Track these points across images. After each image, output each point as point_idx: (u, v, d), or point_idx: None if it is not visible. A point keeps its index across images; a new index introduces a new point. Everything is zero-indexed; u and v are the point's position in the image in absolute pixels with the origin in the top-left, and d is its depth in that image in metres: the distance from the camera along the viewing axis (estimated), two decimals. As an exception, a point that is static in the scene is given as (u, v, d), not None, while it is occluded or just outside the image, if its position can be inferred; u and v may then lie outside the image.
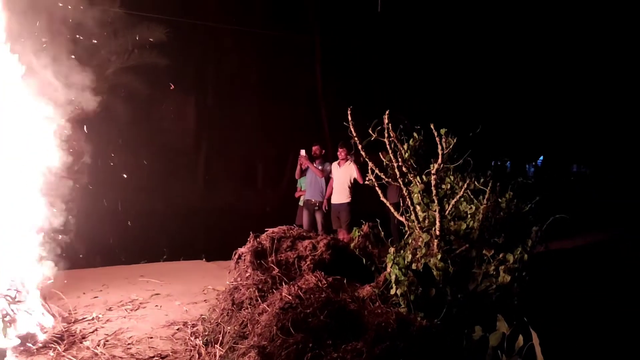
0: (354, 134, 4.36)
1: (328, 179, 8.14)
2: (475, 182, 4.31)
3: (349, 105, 4.32)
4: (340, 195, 7.91)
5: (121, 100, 11.37)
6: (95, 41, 10.40)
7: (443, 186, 4.56)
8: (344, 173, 7.86)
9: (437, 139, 3.89)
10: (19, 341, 3.76)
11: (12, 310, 3.58)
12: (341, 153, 7.85)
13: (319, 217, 8.08)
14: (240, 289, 4.18)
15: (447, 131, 4.35)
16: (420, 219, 4.30)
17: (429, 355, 3.19)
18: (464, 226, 4.28)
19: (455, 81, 13.78)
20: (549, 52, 17.81)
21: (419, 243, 4.26)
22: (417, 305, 3.76)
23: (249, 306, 3.94)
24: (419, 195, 4.15)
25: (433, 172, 3.94)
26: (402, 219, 4.55)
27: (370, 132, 4.04)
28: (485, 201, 4.20)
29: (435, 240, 4.08)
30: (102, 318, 4.56)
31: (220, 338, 3.88)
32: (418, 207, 4.28)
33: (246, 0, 11.76)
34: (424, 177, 4.18)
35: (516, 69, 17.35)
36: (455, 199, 4.04)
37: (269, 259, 4.34)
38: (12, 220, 3.96)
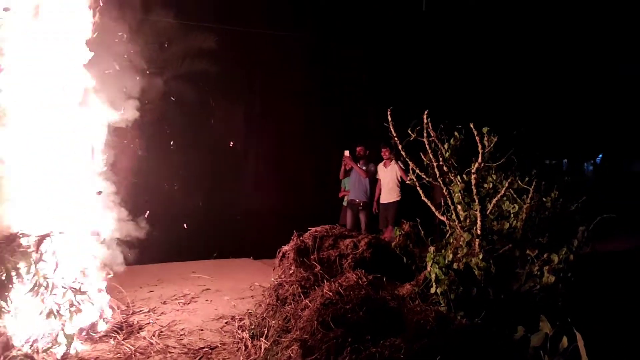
0: (394, 134, 4.42)
1: (373, 179, 8.20)
2: (519, 181, 4.24)
3: (391, 105, 4.38)
4: (389, 194, 7.96)
5: (174, 106, 11.95)
6: (151, 50, 11.02)
7: (485, 185, 4.52)
8: (390, 172, 7.91)
9: (477, 137, 3.87)
10: (83, 330, 4.11)
11: (77, 301, 3.91)
12: (385, 153, 7.89)
13: (362, 217, 8.16)
14: (284, 286, 4.33)
15: (490, 130, 4.32)
16: (462, 218, 4.29)
17: (468, 354, 3.20)
18: (507, 226, 4.23)
19: (507, 78, 13.39)
20: (609, 48, 16.92)
21: (461, 242, 4.24)
22: (458, 305, 3.76)
23: (292, 302, 4.09)
24: (460, 194, 4.14)
25: (473, 171, 3.92)
26: (443, 218, 4.55)
27: (410, 132, 4.08)
28: (528, 200, 4.13)
29: (477, 240, 4.05)
30: (157, 311, 4.87)
31: (266, 332, 4.05)
32: (459, 207, 4.27)
33: (293, 9, 12.02)
34: (464, 176, 4.16)
35: (575, 64, 16.61)
36: (496, 198, 4.00)
37: (312, 257, 4.47)
38: (76, 217, 4.31)
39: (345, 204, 8.61)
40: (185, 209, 10.34)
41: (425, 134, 4.08)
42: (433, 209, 4.63)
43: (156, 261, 7.18)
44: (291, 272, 4.46)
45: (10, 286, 3.56)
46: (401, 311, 3.50)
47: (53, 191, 4.17)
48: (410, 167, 4.60)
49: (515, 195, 4.29)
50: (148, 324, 4.50)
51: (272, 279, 4.62)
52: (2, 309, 3.53)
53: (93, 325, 4.25)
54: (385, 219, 8.00)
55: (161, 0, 9.62)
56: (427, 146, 4.10)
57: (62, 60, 4.47)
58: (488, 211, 4.01)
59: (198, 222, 9.52)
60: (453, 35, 11.96)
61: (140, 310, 4.84)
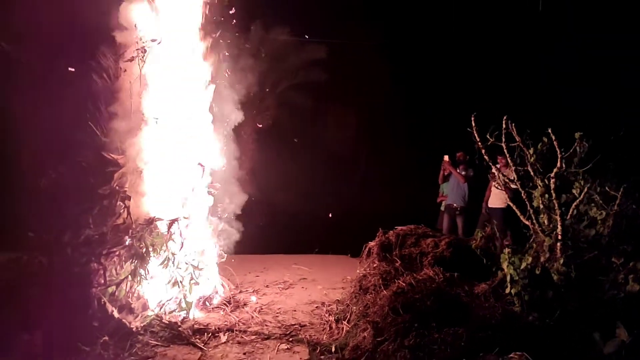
0: (478, 139, 4.60)
1: (473, 184, 8.18)
2: (607, 188, 4.15)
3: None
4: (496, 199, 7.82)
5: (289, 113, 13.02)
6: (268, 63, 12.16)
7: (573, 191, 4.46)
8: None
9: (555, 143, 3.92)
10: (200, 300, 4.97)
11: (196, 275, 4.76)
12: (501, 160, 7.78)
13: (459, 221, 8.18)
14: (368, 277, 4.76)
15: (582, 135, 4.30)
16: (545, 223, 4.32)
17: (532, 351, 3.32)
18: (593, 232, 4.16)
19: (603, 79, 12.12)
20: None
21: (544, 247, 4.28)
22: (532, 306, 3.85)
23: (372, 291, 4.50)
24: (540, 199, 4.18)
25: (552, 175, 3.97)
26: (527, 222, 4.59)
27: (488, 137, 4.25)
28: (616, 207, 4.02)
29: (558, 244, 4.08)
30: (260, 292, 5.62)
31: (348, 316, 4.52)
32: (542, 213, 4.30)
33: (389, 19, 12.37)
34: (545, 180, 4.19)
35: None
36: (575, 203, 3.98)
37: (394, 253, 4.83)
38: (199, 207, 5.20)
39: (443, 208, 8.70)
40: (294, 206, 11.27)
41: (503, 139, 4.21)
42: (518, 212, 4.71)
43: (264, 252, 8.03)
44: (374, 265, 4.86)
45: (148, 259, 4.52)
46: (469, 305, 3.71)
47: (182, 184, 5.10)
48: (496, 171, 4.73)
49: (602, 202, 4.19)
50: (252, 301, 5.23)
51: (358, 271, 5.07)
52: (142, 277, 4.49)
53: (208, 298, 5.10)
54: (484, 224, 7.90)
55: (278, 20, 10.68)
56: (504, 151, 4.22)
57: (192, 76, 5.42)
58: (568, 216, 4.01)
59: (304, 219, 10.32)
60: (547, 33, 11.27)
61: (246, 290, 5.62)
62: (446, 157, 8.35)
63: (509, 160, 4.43)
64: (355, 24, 11.94)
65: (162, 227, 4.68)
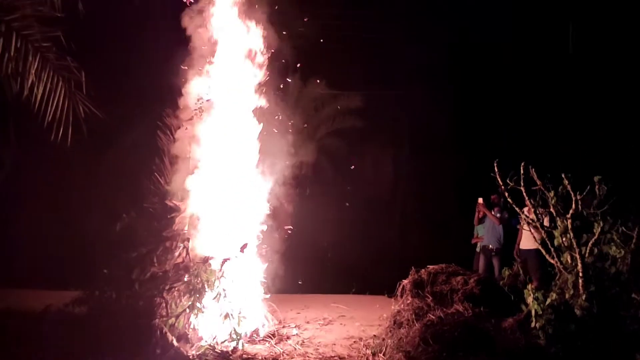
0: (501, 184, 5.01)
1: (508, 227, 8.40)
2: (623, 228, 4.43)
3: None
4: (528, 241, 7.97)
5: (328, 157, 13.71)
6: (307, 113, 12.98)
7: (594, 230, 4.74)
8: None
9: (568, 187, 4.28)
10: (248, 333, 5.46)
11: (244, 310, 5.28)
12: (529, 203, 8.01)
13: (495, 262, 8.37)
14: (402, 313, 5.12)
15: (601, 178, 4.65)
16: (568, 261, 4.61)
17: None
18: (613, 270, 4.41)
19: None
20: None
21: (568, 285, 4.56)
22: (556, 339, 4.11)
23: (406, 326, 4.85)
24: (560, 238, 4.50)
25: (568, 216, 4.30)
26: (553, 261, 4.88)
27: (509, 181, 4.65)
28: (633, 246, 4.29)
29: (580, 281, 4.36)
30: (302, 327, 6.04)
31: (384, 349, 4.87)
32: (564, 252, 4.60)
33: (431, 67, 12.99)
34: (565, 220, 4.52)
35: None
36: (591, 242, 4.28)
37: (426, 290, 5.19)
38: (248, 247, 5.75)
39: (478, 249, 8.92)
40: (334, 247, 11.73)
41: (522, 184, 4.60)
42: (543, 252, 5.02)
43: (305, 292, 8.45)
44: (408, 302, 5.23)
45: (204, 293, 5.09)
46: (495, 337, 4.03)
47: (232, 226, 5.71)
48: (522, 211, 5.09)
49: (621, 241, 4.46)
50: (294, 335, 5.67)
51: (393, 307, 5.43)
52: (199, 310, 5.05)
53: (255, 331, 5.57)
54: (524, 268, 8.00)
55: (315, 73, 11.58)
56: (524, 194, 4.60)
57: (242, 127, 6.08)
58: (587, 254, 4.30)
59: (343, 259, 10.74)
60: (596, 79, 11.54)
61: (289, 325, 6.06)
62: (480, 200, 8.64)
63: (529, 203, 4.80)
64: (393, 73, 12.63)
65: (215, 265, 5.26)
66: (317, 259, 10.30)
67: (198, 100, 5.80)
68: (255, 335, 5.51)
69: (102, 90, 3.90)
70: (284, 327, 6.00)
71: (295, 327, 6.03)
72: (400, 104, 13.38)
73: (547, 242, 4.62)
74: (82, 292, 5.15)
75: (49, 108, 3.59)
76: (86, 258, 5.41)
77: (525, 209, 8.14)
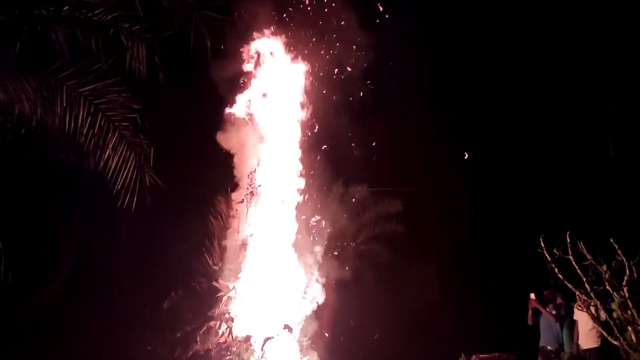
0: (549, 259, 4.90)
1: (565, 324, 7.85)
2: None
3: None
4: (586, 338, 7.36)
5: (369, 265, 13.59)
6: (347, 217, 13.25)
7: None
8: (586, 317, 7.44)
9: (620, 257, 4.17)
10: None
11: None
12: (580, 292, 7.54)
13: (557, 366, 7.66)
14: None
15: None
16: (633, 339, 4.28)
17: None
18: (685, 346, 4.06)
19: None
20: None
21: (637, 366, 4.19)
22: None
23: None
24: (619, 310, 4.24)
25: (624, 284, 4.12)
26: (616, 343, 4.54)
27: (556, 251, 4.57)
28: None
29: (649, 359, 4.02)
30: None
31: None
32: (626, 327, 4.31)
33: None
34: (620, 292, 4.30)
35: None
36: None
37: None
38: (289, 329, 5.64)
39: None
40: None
41: (571, 254, 4.51)
42: (605, 334, 4.70)
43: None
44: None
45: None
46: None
47: (276, 309, 5.70)
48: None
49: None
50: None
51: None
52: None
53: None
54: None
55: (354, 175, 12.08)
56: (574, 264, 4.48)
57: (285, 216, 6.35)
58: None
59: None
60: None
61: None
62: (532, 295, 8.14)
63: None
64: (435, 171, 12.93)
65: (257, 345, 5.20)
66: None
67: (250, 185, 6.21)
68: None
69: (164, 166, 4.39)
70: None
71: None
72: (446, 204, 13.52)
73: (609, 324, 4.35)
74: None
75: (120, 178, 4.06)
76: (133, 336, 5.48)
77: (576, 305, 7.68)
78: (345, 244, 13.47)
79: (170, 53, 4.22)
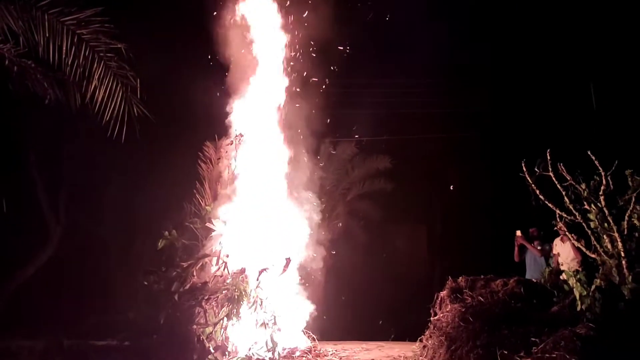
0: (531, 182, 5.08)
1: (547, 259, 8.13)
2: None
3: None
4: (568, 269, 7.68)
5: (358, 222, 13.82)
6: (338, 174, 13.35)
7: (634, 222, 4.65)
8: (567, 247, 7.73)
9: (596, 162, 4.34)
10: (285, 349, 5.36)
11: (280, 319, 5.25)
12: (562, 228, 7.83)
13: (540, 298, 7.99)
14: (441, 319, 4.97)
15: (633, 171, 4.70)
16: (609, 247, 4.50)
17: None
18: (656, 249, 4.29)
19: None
20: None
21: (612, 272, 4.42)
22: (605, 320, 3.92)
23: (446, 327, 4.69)
24: (596, 220, 4.45)
25: (600, 193, 4.31)
26: (594, 255, 4.77)
27: (536, 169, 4.74)
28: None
29: (624, 262, 4.24)
30: (339, 347, 5.87)
31: (425, 352, 4.69)
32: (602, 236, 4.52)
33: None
34: (598, 204, 4.49)
35: None
36: (627, 214, 4.23)
37: (465, 293, 5.06)
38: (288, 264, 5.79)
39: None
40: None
41: (550, 170, 4.68)
42: (584, 249, 4.93)
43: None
44: (447, 309, 5.08)
45: (241, 302, 5.13)
46: (533, 315, 3.89)
47: (269, 245, 5.84)
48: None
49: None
50: (332, 353, 5.50)
51: (432, 318, 5.27)
52: (236, 318, 5.06)
53: (292, 350, 5.46)
54: None
55: (344, 132, 12.22)
56: (554, 181, 4.66)
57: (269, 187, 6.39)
58: (625, 231, 4.23)
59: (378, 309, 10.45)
60: None
61: (326, 348, 5.89)
62: (518, 232, 8.37)
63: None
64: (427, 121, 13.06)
65: (252, 276, 5.35)
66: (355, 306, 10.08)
67: (235, 132, 6.29)
68: (293, 353, 5.39)
69: (152, 99, 4.44)
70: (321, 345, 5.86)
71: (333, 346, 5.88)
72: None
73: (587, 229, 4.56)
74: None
75: (107, 110, 4.09)
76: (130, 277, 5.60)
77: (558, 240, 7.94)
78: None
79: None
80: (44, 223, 9.04)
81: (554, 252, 7.95)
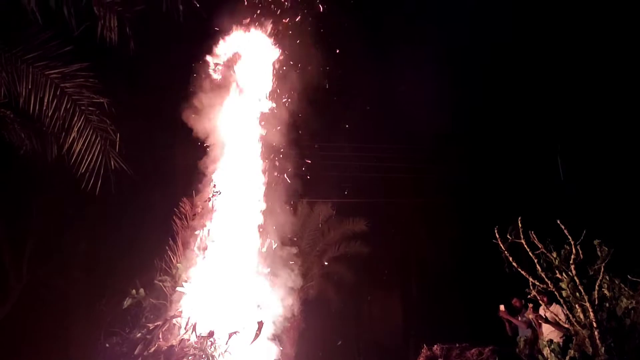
0: (503, 248, 5.15)
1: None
2: (629, 276, 4.46)
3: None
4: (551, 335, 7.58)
5: (333, 284, 13.62)
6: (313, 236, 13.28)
7: (605, 292, 4.72)
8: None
9: (565, 231, 4.45)
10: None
11: None
12: (543, 298, 7.78)
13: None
14: (416, 390, 4.80)
15: (601, 241, 4.83)
16: (581, 317, 4.52)
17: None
18: (629, 321, 4.32)
19: None
20: None
21: (585, 342, 4.41)
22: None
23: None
24: (568, 289, 4.49)
25: (571, 262, 4.38)
26: (567, 326, 4.77)
27: (508, 236, 4.82)
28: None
29: (596, 332, 4.24)
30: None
31: None
32: (574, 305, 4.55)
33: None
34: (569, 272, 4.55)
35: None
36: (597, 283, 4.28)
37: (439, 362, 4.93)
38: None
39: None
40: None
41: (523, 240, 4.77)
42: (557, 318, 4.93)
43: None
44: (422, 378, 4.93)
45: (207, 368, 4.87)
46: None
47: (238, 309, 5.65)
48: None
49: (631, 293, 4.44)
50: None
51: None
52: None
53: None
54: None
55: (321, 194, 12.29)
56: (527, 249, 4.74)
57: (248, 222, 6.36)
58: (596, 300, 4.27)
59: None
60: None
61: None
62: (502, 307, 8.26)
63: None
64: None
65: (221, 341, 5.12)
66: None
67: (213, 188, 6.27)
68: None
69: (131, 155, 4.41)
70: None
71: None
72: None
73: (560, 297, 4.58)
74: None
75: (84, 162, 4.05)
76: (92, 336, 5.28)
77: (541, 309, 7.94)
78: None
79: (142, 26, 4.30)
80: (5, 278, 8.61)
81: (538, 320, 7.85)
